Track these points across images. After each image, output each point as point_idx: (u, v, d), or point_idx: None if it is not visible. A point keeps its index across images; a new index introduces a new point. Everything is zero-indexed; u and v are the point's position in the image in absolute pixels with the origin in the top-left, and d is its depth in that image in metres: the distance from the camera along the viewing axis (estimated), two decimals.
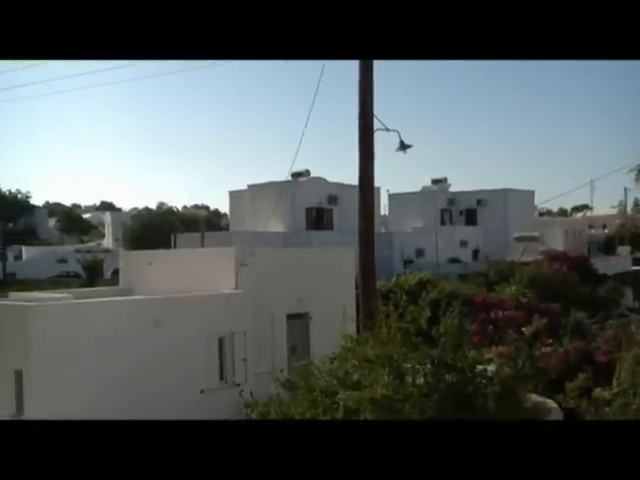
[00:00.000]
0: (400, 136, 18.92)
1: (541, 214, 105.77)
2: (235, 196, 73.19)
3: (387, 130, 18.30)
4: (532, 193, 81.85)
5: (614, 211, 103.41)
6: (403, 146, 19.09)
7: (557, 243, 70.56)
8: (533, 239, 69.53)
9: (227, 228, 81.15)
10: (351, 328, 17.01)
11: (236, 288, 20.62)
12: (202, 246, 43.16)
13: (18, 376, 16.75)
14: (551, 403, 16.07)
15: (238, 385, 19.13)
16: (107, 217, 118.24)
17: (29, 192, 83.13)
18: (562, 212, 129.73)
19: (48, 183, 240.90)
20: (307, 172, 67.08)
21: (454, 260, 66.71)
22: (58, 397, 16.35)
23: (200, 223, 65.62)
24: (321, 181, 68.79)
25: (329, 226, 67.37)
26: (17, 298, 20.22)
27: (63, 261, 76.52)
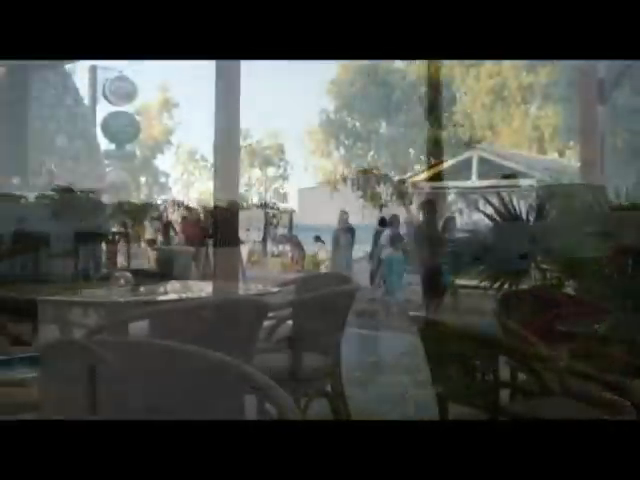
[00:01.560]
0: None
1: (612, 208, 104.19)
2: (304, 193, 73.51)
3: (454, 126, 18.23)
4: (603, 187, 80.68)
5: None
6: (471, 142, 19.01)
7: (629, 237, 69.28)
8: (604, 234, 68.51)
9: (296, 225, 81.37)
10: None
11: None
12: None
13: (91, 372, 17.10)
14: (624, 401, 15.85)
15: None
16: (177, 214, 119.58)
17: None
18: (634, 206, 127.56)
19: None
20: (374, 169, 67.11)
21: (523, 256, 66.06)
22: (129, 395, 16.64)
23: (268, 220, 65.71)
24: (388, 179, 68.69)
25: (397, 223, 67.21)
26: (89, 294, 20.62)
27: (134, 258, 77.81)
